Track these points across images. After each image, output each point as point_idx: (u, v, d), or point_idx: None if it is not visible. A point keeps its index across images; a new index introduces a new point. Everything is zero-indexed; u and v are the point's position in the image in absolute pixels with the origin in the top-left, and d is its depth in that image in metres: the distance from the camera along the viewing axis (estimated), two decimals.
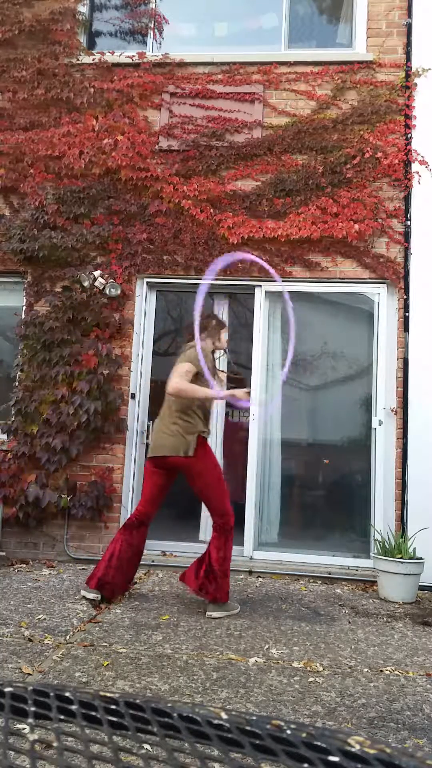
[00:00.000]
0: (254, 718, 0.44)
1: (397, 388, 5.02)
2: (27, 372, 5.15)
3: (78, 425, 4.96)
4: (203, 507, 5.37)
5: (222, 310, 5.53)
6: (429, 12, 5.32)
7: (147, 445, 5.35)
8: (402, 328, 5.06)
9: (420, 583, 4.34)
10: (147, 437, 5.34)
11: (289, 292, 5.35)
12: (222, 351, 4.16)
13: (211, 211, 5.21)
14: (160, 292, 5.57)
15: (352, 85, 5.32)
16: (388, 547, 4.34)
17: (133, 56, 5.56)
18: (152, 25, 5.81)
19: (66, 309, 5.15)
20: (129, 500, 5.13)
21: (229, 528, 3.72)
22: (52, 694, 0.48)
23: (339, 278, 5.17)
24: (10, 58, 5.64)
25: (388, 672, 2.91)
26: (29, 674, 2.66)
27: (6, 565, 4.74)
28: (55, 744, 0.42)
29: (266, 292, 5.30)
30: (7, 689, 0.48)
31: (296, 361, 5.52)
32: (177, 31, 5.88)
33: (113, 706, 0.46)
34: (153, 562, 4.88)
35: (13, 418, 5.16)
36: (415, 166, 5.17)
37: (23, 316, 5.34)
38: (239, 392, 3.77)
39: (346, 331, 5.52)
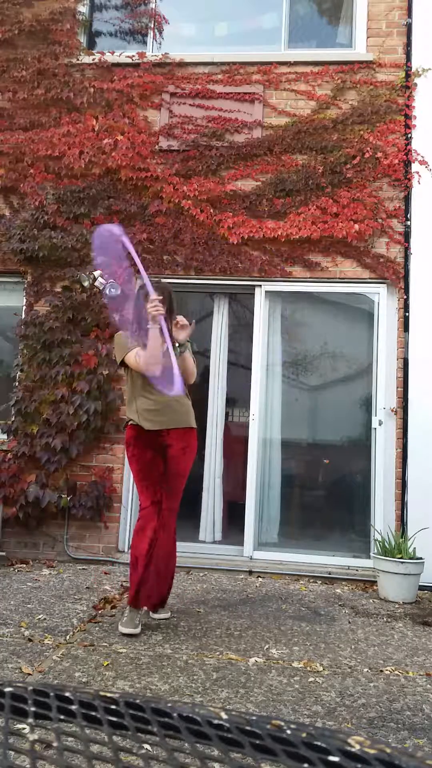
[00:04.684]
0: (254, 718, 0.44)
1: (397, 388, 5.02)
2: (27, 372, 5.15)
3: (78, 425, 4.96)
4: (203, 506, 5.38)
5: (222, 310, 5.53)
6: (429, 12, 5.32)
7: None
8: (402, 328, 5.06)
9: (420, 583, 4.34)
10: None
11: (289, 293, 5.38)
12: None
13: (211, 211, 5.21)
14: None
15: (352, 85, 5.32)
16: (388, 547, 4.34)
17: (133, 56, 5.56)
18: (152, 25, 5.81)
19: (66, 309, 5.15)
20: (129, 500, 5.12)
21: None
22: (52, 694, 0.48)
23: (339, 278, 5.17)
24: (10, 58, 5.64)
25: (388, 672, 2.91)
26: (29, 674, 2.66)
27: (6, 565, 4.74)
28: (55, 744, 0.42)
29: (266, 292, 5.30)
30: (7, 689, 0.48)
31: (296, 360, 5.54)
32: (177, 31, 5.88)
33: (113, 706, 0.46)
34: None
35: (13, 418, 5.16)
36: (415, 166, 5.17)
37: (23, 316, 5.34)
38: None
39: (346, 331, 5.52)
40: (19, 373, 5.22)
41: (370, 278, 5.14)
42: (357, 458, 5.19)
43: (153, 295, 3.20)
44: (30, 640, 3.07)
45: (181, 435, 3.41)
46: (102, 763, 0.41)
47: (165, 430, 3.39)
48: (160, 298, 3.22)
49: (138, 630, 3.22)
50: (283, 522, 5.28)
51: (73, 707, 0.46)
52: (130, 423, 3.44)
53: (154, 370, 3.26)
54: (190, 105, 5.44)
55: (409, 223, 5.13)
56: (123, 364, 3.42)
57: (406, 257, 5.11)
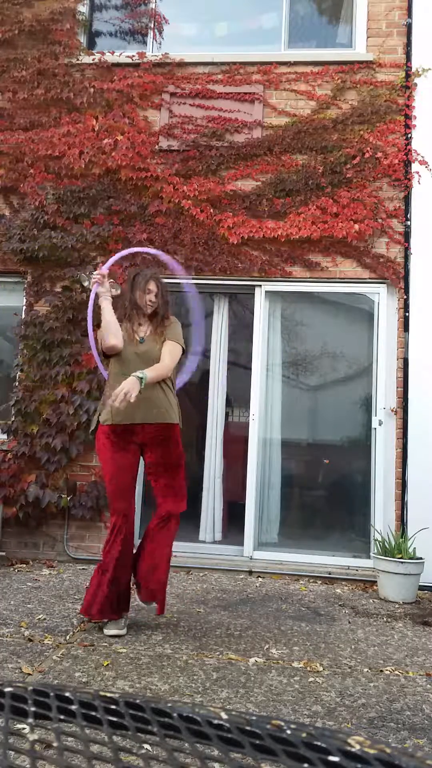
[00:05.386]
0: (254, 718, 0.44)
1: (397, 388, 5.02)
2: (27, 372, 5.15)
3: (78, 425, 4.96)
4: (203, 506, 5.37)
5: (222, 310, 5.53)
6: (429, 12, 5.32)
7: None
8: (402, 328, 5.06)
9: (420, 583, 4.34)
10: None
11: (289, 293, 5.38)
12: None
13: (211, 211, 5.21)
14: None
15: (352, 85, 5.32)
16: (388, 547, 4.34)
17: (133, 56, 5.56)
18: (152, 25, 5.81)
19: (66, 309, 5.16)
20: None
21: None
22: (52, 694, 0.48)
23: (339, 278, 5.17)
24: (10, 58, 5.64)
25: (388, 672, 2.91)
26: (29, 674, 2.66)
27: (6, 565, 4.74)
28: (55, 744, 0.42)
29: (266, 292, 5.30)
30: (7, 689, 0.48)
31: (296, 360, 5.54)
32: (177, 31, 5.88)
33: (113, 706, 0.46)
34: None
35: (13, 418, 5.16)
36: (415, 166, 5.17)
37: (23, 316, 5.34)
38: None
39: (346, 331, 5.52)
40: (19, 373, 5.22)
41: (370, 278, 5.14)
42: (357, 458, 5.19)
43: (104, 268, 3.37)
44: (30, 640, 3.07)
45: (159, 430, 3.23)
46: (102, 763, 0.41)
47: (139, 426, 3.21)
48: (106, 272, 3.38)
49: (124, 631, 3.19)
50: (283, 522, 5.28)
51: (73, 707, 0.46)
52: (102, 423, 3.25)
53: (113, 344, 3.27)
54: (190, 105, 5.44)
55: (409, 223, 5.13)
56: (103, 353, 3.41)
57: (406, 257, 5.11)
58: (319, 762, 0.39)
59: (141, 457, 3.35)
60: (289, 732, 0.42)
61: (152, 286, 3.38)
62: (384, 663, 3.03)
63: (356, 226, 5.03)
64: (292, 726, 0.42)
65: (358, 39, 5.48)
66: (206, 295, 5.77)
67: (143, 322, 3.44)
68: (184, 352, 3.43)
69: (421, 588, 4.41)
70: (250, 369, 5.27)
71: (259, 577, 4.73)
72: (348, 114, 5.28)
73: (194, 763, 0.39)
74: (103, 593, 3.15)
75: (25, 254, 5.26)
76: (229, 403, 5.73)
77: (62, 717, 0.46)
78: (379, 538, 4.46)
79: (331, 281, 5.21)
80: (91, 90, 5.50)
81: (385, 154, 5.15)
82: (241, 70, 5.45)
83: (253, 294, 5.32)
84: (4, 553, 4.88)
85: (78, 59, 5.64)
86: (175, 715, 0.45)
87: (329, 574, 4.76)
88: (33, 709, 0.46)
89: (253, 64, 5.46)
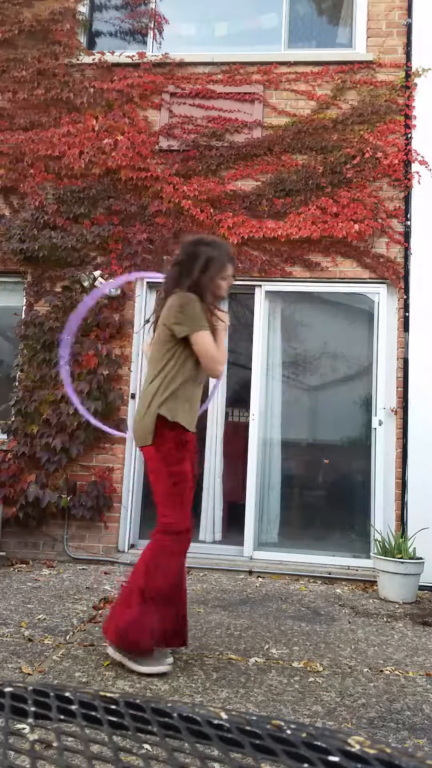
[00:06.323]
0: (254, 718, 0.44)
1: (397, 388, 5.02)
2: (27, 372, 5.15)
3: (78, 425, 4.96)
4: (203, 506, 5.37)
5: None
6: (429, 12, 5.32)
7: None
8: (402, 328, 5.06)
9: (420, 583, 4.34)
10: None
11: (289, 293, 5.37)
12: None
13: (211, 211, 5.21)
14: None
15: (352, 85, 5.32)
16: (388, 547, 4.34)
17: (133, 56, 5.56)
18: (152, 25, 5.81)
19: (66, 309, 5.16)
20: (129, 500, 5.13)
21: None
22: (52, 694, 0.48)
23: (339, 278, 5.18)
24: (10, 58, 5.64)
25: (388, 672, 2.91)
26: (29, 674, 2.66)
27: (6, 565, 4.74)
28: (55, 744, 0.42)
29: (266, 292, 5.30)
30: (7, 689, 0.48)
31: (296, 360, 5.54)
32: (177, 31, 5.88)
33: (113, 706, 0.46)
34: None
35: (13, 418, 5.16)
36: (415, 166, 5.17)
37: (23, 316, 5.34)
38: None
39: (346, 331, 5.52)
40: (19, 373, 5.22)
41: (370, 278, 5.14)
42: (357, 458, 5.19)
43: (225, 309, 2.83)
44: (30, 640, 3.07)
45: (196, 439, 2.96)
46: (102, 763, 0.41)
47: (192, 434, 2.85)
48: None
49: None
50: (283, 522, 5.27)
51: (73, 707, 0.46)
52: (185, 428, 2.72)
53: (220, 372, 2.75)
54: (190, 105, 5.44)
55: (409, 223, 5.13)
56: (185, 338, 2.67)
57: (406, 257, 5.11)
58: (319, 762, 0.39)
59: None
60: (289, 732, 0.42)
61: (230, 270, 2.81)
62: (384, 663, 3.03)
63: (356, 226, 5.03)
64: (292, 726, 0.42)
65: (358, 39, 5.48)
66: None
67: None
68: None
69: (421, 588, 4.41)
70: (250, 369, 5.27)
71: (259, 577, 4.73)
72: (348, 114, 5.28)
73: (194, 763, 0.39)
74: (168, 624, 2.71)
75: (25, 254, 5.26)
76: (229, 403, 5.73)
77: (62, 717, 0.46)
78: (379, 538, 4.46)
79: (331, 281, 5.21)
80: (91, 90, 5.50)
81: (385, 154, 5.16)
82: (241, 70, 5.45)
83: (253, 294, 5.32)
84: (4, 553, 4.88)
85: (78, 59, 5.64)
86: (175, 715, 0.45)
87: (329, 574, 4.76)
88: (33, 709, 0.46)
89: (253, 64, 5.46)
